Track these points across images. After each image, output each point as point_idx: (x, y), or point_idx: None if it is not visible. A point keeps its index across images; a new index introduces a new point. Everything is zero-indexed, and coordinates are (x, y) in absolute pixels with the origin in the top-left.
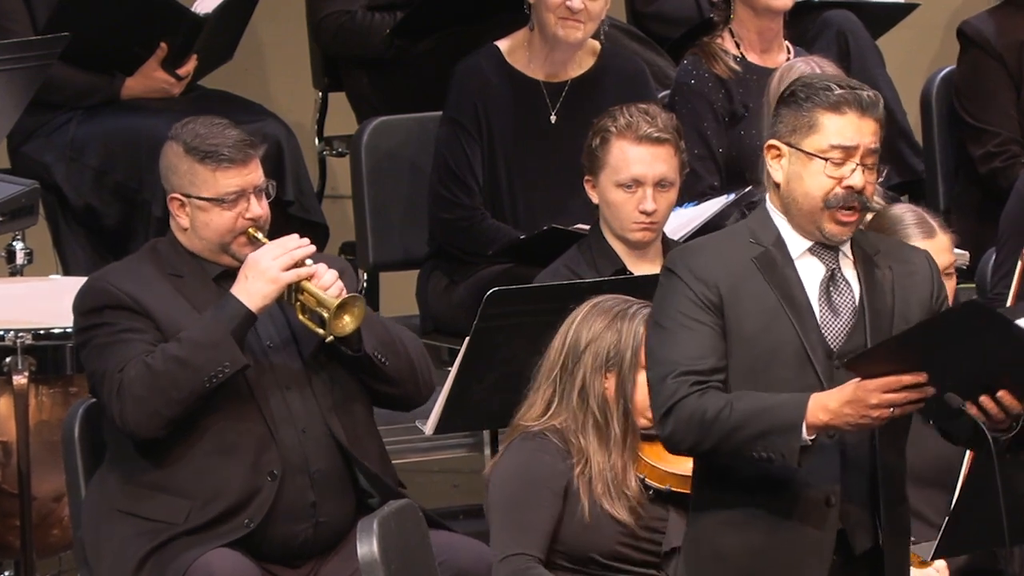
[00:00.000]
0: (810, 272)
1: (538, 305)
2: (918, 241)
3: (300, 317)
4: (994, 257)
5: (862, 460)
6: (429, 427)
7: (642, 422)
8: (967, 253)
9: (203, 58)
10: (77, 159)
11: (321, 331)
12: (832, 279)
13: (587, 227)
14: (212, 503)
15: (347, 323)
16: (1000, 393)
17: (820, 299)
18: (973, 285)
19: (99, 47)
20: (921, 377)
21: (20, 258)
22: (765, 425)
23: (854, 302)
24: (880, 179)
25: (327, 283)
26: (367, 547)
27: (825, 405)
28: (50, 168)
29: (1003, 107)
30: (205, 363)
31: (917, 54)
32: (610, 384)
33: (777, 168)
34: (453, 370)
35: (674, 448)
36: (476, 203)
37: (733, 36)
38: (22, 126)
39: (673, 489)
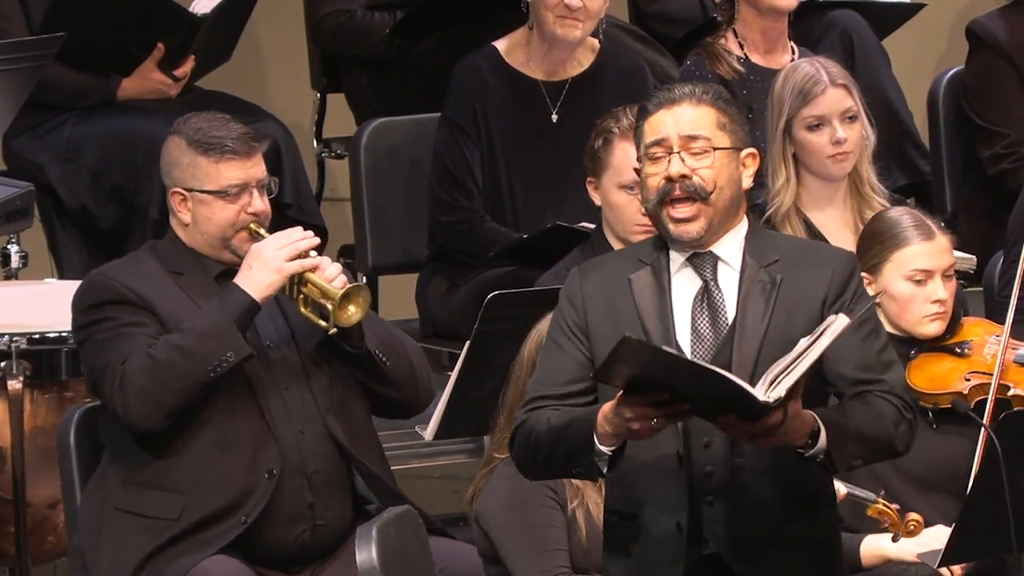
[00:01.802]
0: (686, 287)
1: (539, 309)
2: (916, 243)
3: (302, 310)
4: (1001, 260)
5: (719, 483)
6: (429, 432)
7: None
8: (974, 257)
9: (201, 59)
10: (73, 160)
11: (324, 323)
12: (706, 293)
13: (591, 225)
14: (209, 499)
15: (352, 313)
16: (730, 416)
17: (693, 315)
18: (980, 288)
19: (95, 47)
20: (661, 395)
21: (15, 261)
22: (568, 443)
23: (727, 318)
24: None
25: (331, 275)
26: (366, 554)
27: (605, 414)
28: (45, 169)
29: (1012, 108)
30: (209, 352)
31: (923, 55)
32: None
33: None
34: (453, 375)
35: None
36: (476, 206)
37: (737, 36)
38: (17, 126)
39: None
